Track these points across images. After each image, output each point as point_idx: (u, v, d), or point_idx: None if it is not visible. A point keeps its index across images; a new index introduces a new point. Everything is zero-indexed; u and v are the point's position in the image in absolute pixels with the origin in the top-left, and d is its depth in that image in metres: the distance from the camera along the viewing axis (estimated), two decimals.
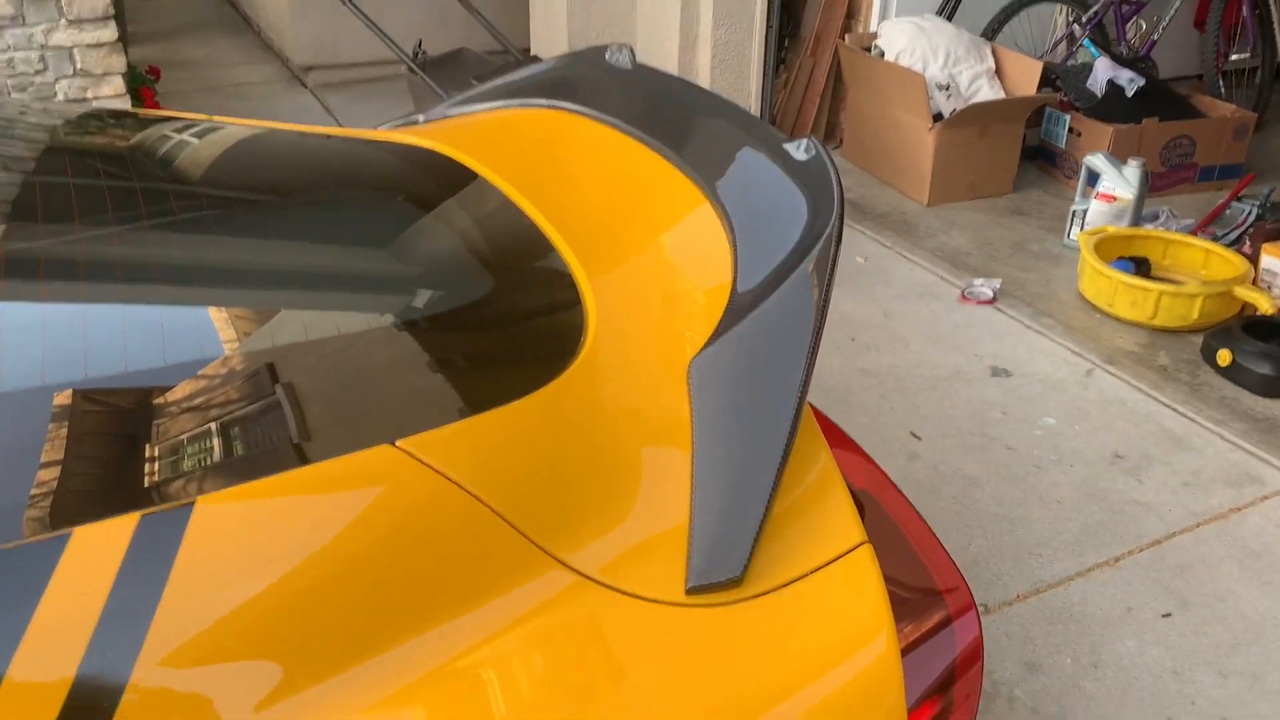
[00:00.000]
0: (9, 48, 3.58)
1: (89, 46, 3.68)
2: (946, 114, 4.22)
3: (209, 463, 0.86)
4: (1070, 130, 4.44)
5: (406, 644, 0.80)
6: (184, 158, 1.40)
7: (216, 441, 0.87)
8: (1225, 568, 2.38)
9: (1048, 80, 4.45)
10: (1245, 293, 3.26)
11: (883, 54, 4.41)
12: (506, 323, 1.14)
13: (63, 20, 3.60)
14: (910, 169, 4.34)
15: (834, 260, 1.08)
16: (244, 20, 6.99)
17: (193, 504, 0.79)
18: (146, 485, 0.83)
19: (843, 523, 0.98)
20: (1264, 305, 3.21)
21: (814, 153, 1.25)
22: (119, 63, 3.77)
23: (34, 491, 0.80)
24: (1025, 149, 4.48)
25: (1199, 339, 3.25)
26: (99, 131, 1.51)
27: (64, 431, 0.85)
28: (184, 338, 0.99)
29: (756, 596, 0.90)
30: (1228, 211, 4.00)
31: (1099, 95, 4.45)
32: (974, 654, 0.99)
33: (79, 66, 3.70)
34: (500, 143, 1.50)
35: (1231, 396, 3.03)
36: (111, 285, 1.05)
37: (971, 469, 2.70)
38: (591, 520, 0.92)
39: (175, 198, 1.27)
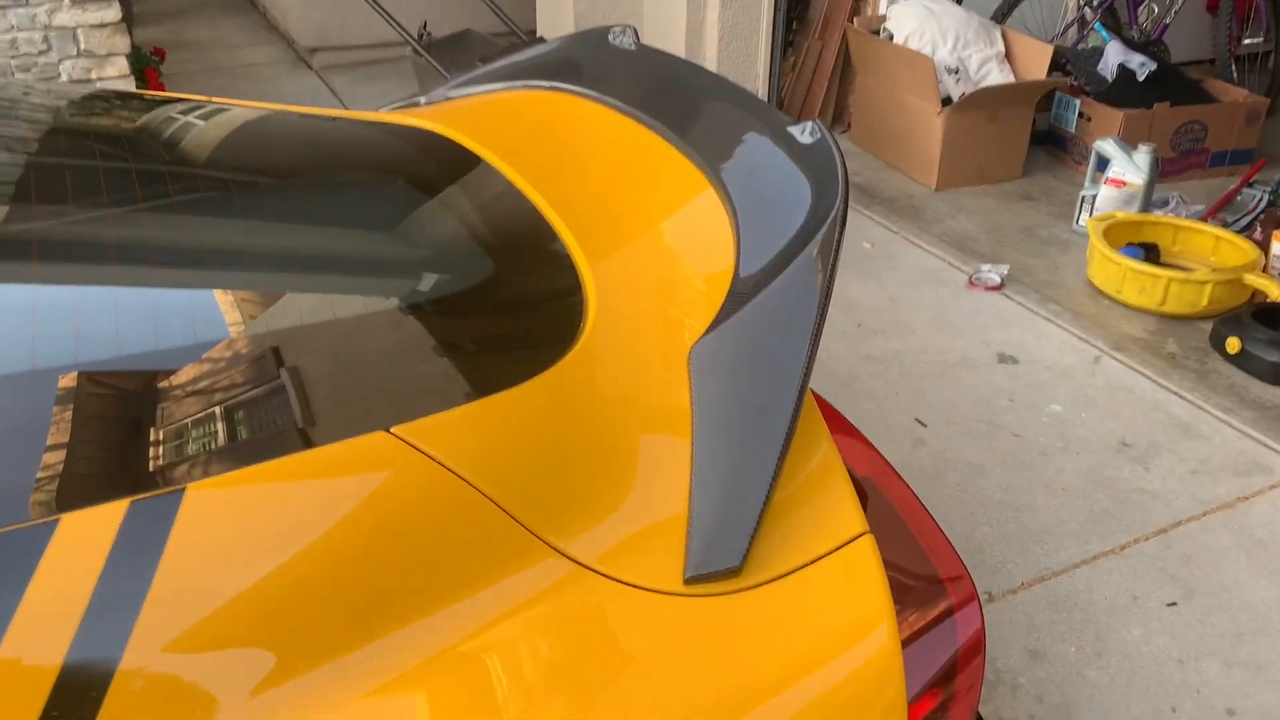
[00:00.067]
0: (12, 28, 3.56)
1: (92, 27, 3.66)
2: (955, 98, 4.19)
3: (200, 448, 0.85)
4: (1080, 115, 4.40)
5: (399, 632, 0.79)
6: (183, 139, 1.38)
7: (208, 427, 0.86)
8: (1232, 557, 2.36)
9: (1058, 64, 4.41)
10: (1255, 280, 3.23)
11: (891, 37, 4.37)
12: (505, 308, 1.12)
13: (66, 0, 3.58)
14: (918, 153, 4.31)
15: (838, 245, 1.07)
16: (249, 1, 6.96)
17: (183, 490, 0.78)
18: (136, 471, 0.82)
19: (844, 512, 0.97)
20: (1274, 292, 3.18)
21: (819, 136, 1.23)
22: (123, 43, 3.75)
23: (22, 477, 0.79)
24: (1034, 134, 4.45)
25: (1208, 326, 3.22)
26: (101, 113, 1.49)
27: (54, 416, 0.84)
28: (176, 322, 0.98)
29: (756, 586, 0.89)
30: (1239, 198, 3.97)
31: (1110, 79, 4.41)
32: (976, 645, 0.98)
33: (82, 47, 3.68)
34: (500, 125, 1.48)
35: (1240, 384, 3.01)
36: (101, 268, 1.03)
37: (977, 456, 2.69)
38: (589, 508, 0.91)
39: (171, 179, 1.25)
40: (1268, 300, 3.21)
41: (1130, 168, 3.73)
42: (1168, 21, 4.85)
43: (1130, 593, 2.25)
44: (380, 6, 3.81)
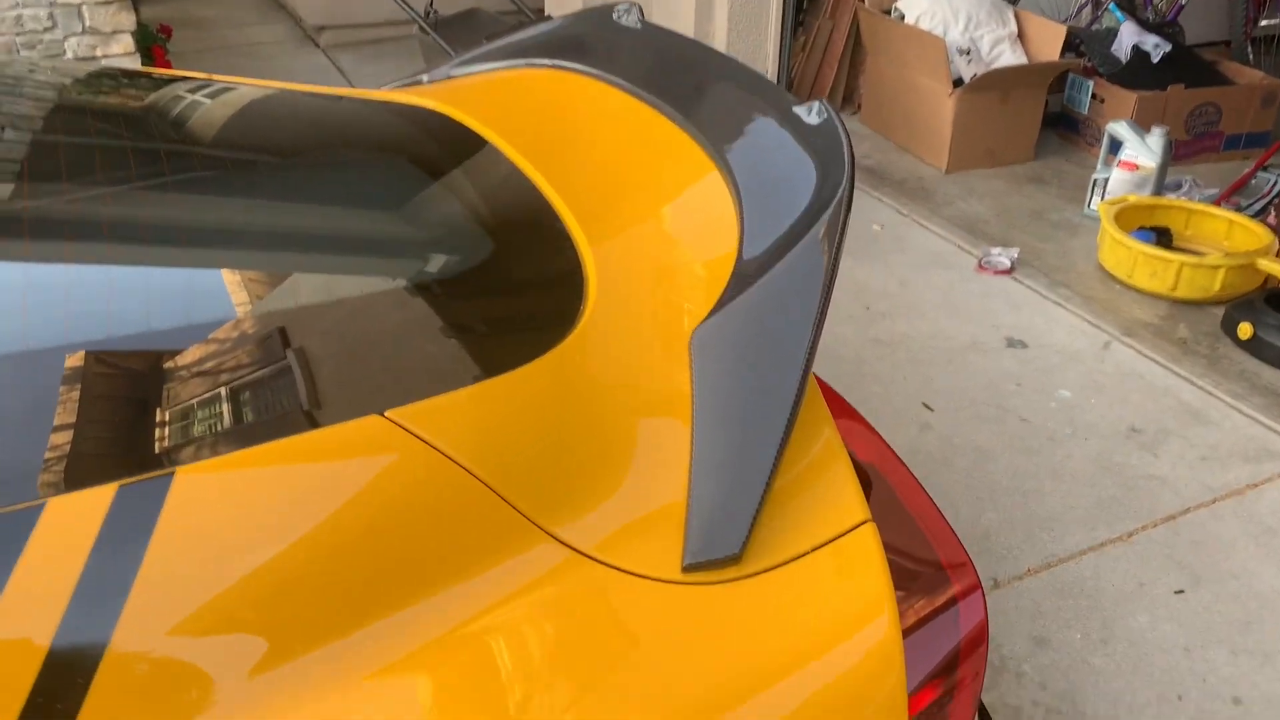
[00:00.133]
0: (17, 4, 3.54)
1: (98, 4, 3.63)
2: (967, 79, 4.15)
3: (190, 432, 0.83)
4: (1093, 97, 4.35)
5: (392, 618, 0.78)
6: (185, 118, 1.37)
7: (199, 410, 0.85)
8: (1241, 544, 2.34)
9: (1071, 45, 4.36)
10: (1269, 265, 3.19)
11: (903, 17, 4.33)
12: (503, 290, 1.11)
13: None
14: (929, 135, 4.28)
15: (843, 227, 1.05)
16: None
17: (172, 474, 0.77)
18: (124, 454, 0.81)
19: (846, 499, 0.95)
20: None
21: (825, 116, 1.21)
22: (128, 20, 3.72)
23: (9, 459, 0.78)
24: (1047, 116, 4.41)
25: (1220, 312, 3.19)
26: (106, 91, 1.48)
27: (43, 398, 0.83)
28: (168, 302, 0.97)
29: (755, 574, 0.87)
30: (1253, 181, 3.93)
31: (1123, 61, 4.36)
32: (979, 636, 0.97)
33: (88, 24, 3.66)
34: (502, 103, 1.46)
35: (1252, 370, 2.98)
36: (88, 246, 1.02)
37: (985, 441, 2.67)
38: (587, 495, 0.89)
39: (168, 158, 1.24)
40: None
41: (1143, 150, 3.69)
42: (1183, 2, 4.79)
43: (1137, 580, 2.23)
44: None
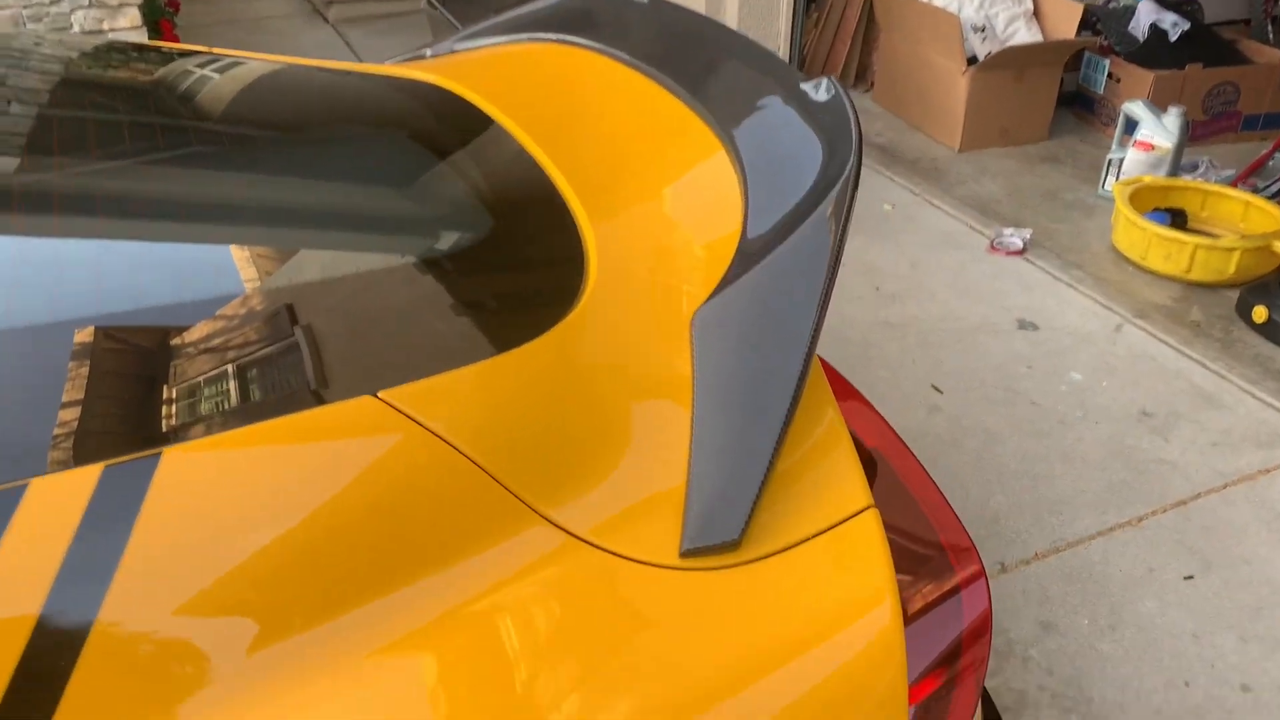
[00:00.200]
0: None
1: None
2: (981, 57, 4.10)
3: (179, 412, 0.82)
4: (1109, 76, 4.30)
5: (375, 604, 0.77)
6: (188, 92, 1.35)
7: (188, 390, 0.84)
8: (1252, 530, 2.32)
9: (1088, 23, 4.31)
10: None
11: None
12: (501, 269, 1.08)
13: None
14: (942, 113, 4.23)
15: (849, 206, 1.02)
16: None
17: (160, 455, 0.75)
18: (111, 434, 0.79)
19: (848, 484, 0.93)
20: None
21: (833, 93, 1.18)
22: None
23: None
24: (1062, 95, 4.36)
25: (1234, 294, 3.15)
26: (112, 64, 1.46)
27: (29, 375, 0.82)
28: (157, 280, 0.95)
29: (754, 561, 0.86)
30: (1270, 163, 3.88)
31: (1141, 39, 4.30)
32: (982, 626, 0.95)
33: None
34: (505, 78, 1.44)
35: (1266, 354, 2.94)
36: (77, 221, 1.00)
37: (994, 424, 2.64)
38: (583, 478, 0.88)
39: (164, 132, 1.22)
40: None
41: (1159, 130, 3.64)
42: None
43: (1147, 565, 2.21)
44: None
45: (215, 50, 1.52)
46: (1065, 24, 4.19)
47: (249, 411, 0.82)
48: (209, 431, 0.80)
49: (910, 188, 3.91)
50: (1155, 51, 4.22)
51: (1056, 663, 1.98)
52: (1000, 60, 4.02)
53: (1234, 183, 3.76)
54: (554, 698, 0.77)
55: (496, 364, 0.90)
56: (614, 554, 0.84)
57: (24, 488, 0.72)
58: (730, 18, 4.39)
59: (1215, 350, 2.95)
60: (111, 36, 3.70)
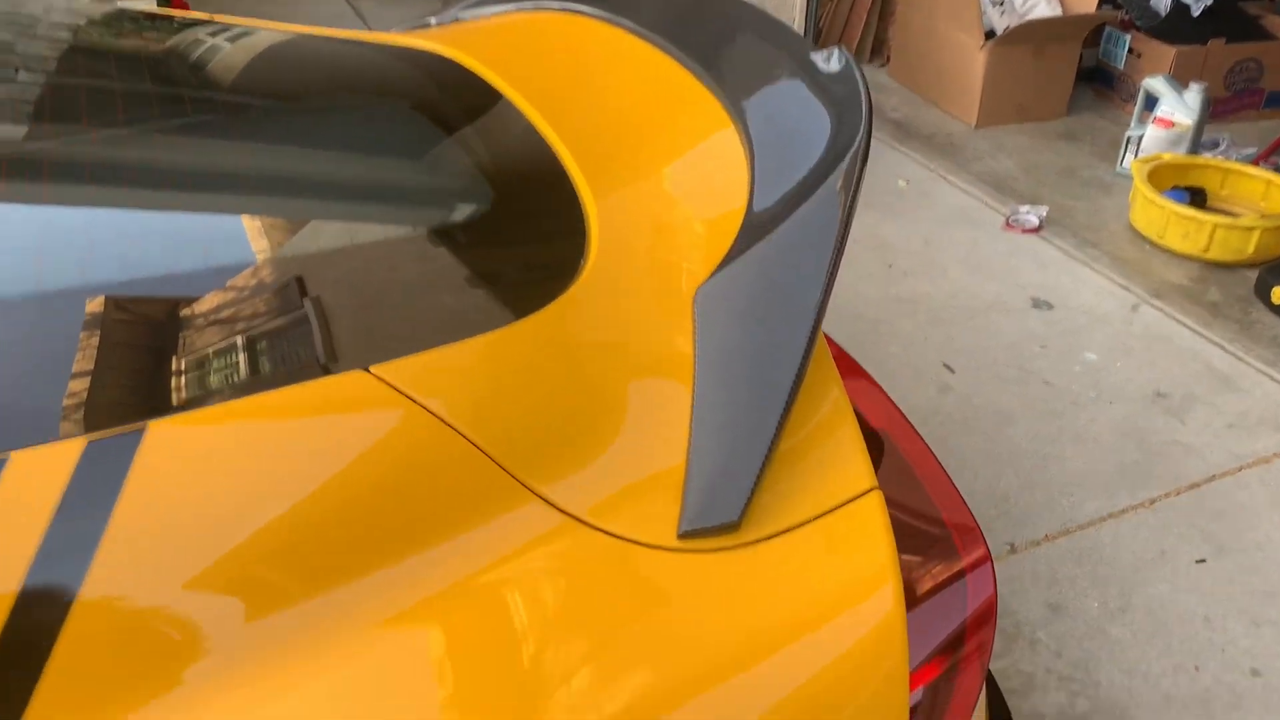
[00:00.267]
0: None
1: None
2: (999, 31, 4.04)
3: (165, 386, 0.80)
4: (1130, 51, 4.23)
5: (369, 578, 0.75)
6: (198, 61, 1.33)
7: (175, 363, 0.82)
8: (1266, 514, 2.29)
9: None
10: None
11: None
12: (500, 242, 1.06)
13: None
14: (959, 88, 4.17)
15: (858, 179, 0.99)
16: None
17: (144, 429, 0.74)
18: (95, 407, 0.77)
19: (852, 465, 0.91)
20: None
21: (843, 63, 1.15)
22: None
23: None
24: (1081, 70, 4.29)
25: (1253, 275, 3.11)
26: (121, 33, 1.44)
27: (10, 346, 0.80)
28: (147, 249, 0.93)
29: (754, 543, 0.84)
30: None
31: (1163, 13, 4.23)
32: (987, 612, 0.93)
33: None
34: (508, 47, 1.41)
35: None
36: (72, 189, 0.98)
37: (1006, 403, 2.61)
38: (580, 457, 0.86)
39: (160, 101, 1.20)
40: None
41: (1180, 107, 3.58)
42: None
43: (1158, 548, 2.19)
44: None
45: (219, 18, 1.50)
46: None
47: (237, 385, 0.81)
48: (196, 405, 0.78)
49: (925, 164, 3.87)
50: (1177, 26, 4.15)
51: (1065, 645, 1.96)
52: (1018, 34, 3.96)
53: (1255, 161, 3.70)
54: (547, 682, 0.75)
55: (491, 339, 0.88)
56: (610, 534, 0.82)
57: (4, 461, 0.70)
58: None
59: (1233, 331, 2.91)
60: (121, 4, 3.67)
